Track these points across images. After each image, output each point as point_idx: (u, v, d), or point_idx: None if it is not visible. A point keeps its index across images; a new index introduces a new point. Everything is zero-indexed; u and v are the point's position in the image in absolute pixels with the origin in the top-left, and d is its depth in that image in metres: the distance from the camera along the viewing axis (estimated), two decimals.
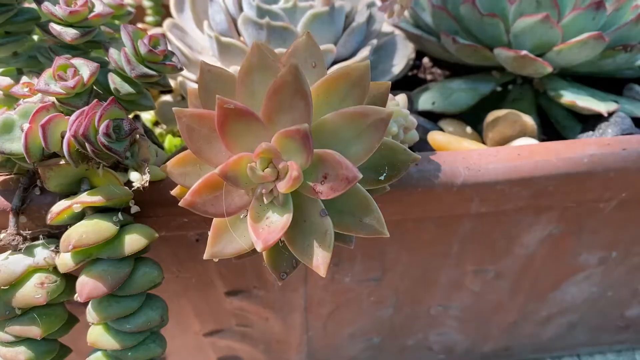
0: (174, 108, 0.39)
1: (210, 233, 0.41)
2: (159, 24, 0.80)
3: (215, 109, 0.37)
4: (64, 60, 0.44)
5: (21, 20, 0.47)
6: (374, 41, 0.63)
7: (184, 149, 0.55)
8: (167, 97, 0.67)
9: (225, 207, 0.38)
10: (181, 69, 0.47)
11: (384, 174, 0.43)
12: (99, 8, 0.46)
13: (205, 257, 0.41)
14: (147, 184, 0.46)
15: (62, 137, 0.42)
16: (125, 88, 0.47)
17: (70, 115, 0.43)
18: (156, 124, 0.69)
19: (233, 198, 0.39)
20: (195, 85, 0.57)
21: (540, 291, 0.70)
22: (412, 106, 0.66)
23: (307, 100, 0.37)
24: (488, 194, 0.53)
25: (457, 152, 0.53)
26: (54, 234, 0.48)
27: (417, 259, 0.62)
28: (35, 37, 0.50)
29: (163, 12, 0.79)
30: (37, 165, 0.44)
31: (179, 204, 0.38)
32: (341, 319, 0.68)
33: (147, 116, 0.68)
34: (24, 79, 0.47)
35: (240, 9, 0.63)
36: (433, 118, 0.67)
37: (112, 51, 0.46)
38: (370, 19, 0.64)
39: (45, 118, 0.41)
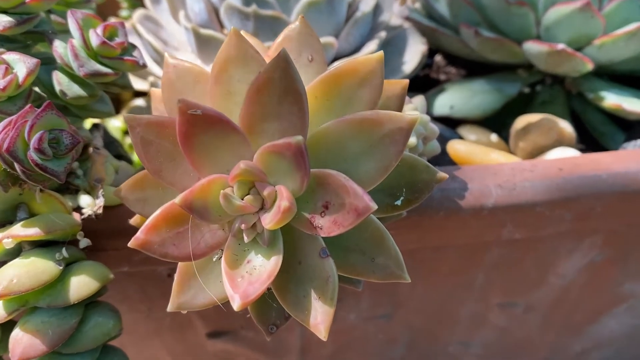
0: (124, 115, 0.30)
1: (175, 279, 0.31)
2: None
3: (177, 115, 0.27)
4: None
5: None
6: (382, 34, 0.53)
7: None
8: (140, 101, 0.57)
9: (192, 247, 0.29)
10: (144, 66, 0.38)
11: (401, 198, 0.34)
12: None
13: (169, 309, 0.32)
14: (100, 210, 0.36)
15: None
16: (74, 90, 0.37)
17: None
18: (127, 133, 0.59)
19: (203, 235, 0.29)
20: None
21: (575, 325, 0.60)
22: (426, 111, 0.57)
23: (301, 104, 0.28)
24: (524, 218, 0.43)
25: (486, 167, 0.44)
26: None
27: (434, 292, 0.52)
28: None
29: (139, 5, 0.70)
30: None
31: (129, 244, 0.28)
32: None
33: (117, 124, 0.59)
34: None
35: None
36: (451, 124, 0.58)
37: (58, 44, 0.37)
38: (377, 9, 0.55)
39: None
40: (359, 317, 0.52)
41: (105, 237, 0.38)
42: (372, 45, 0.51)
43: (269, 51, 0.34)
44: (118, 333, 0.36)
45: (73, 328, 0.35)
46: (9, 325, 0.38)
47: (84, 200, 0.37)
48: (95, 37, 0.36)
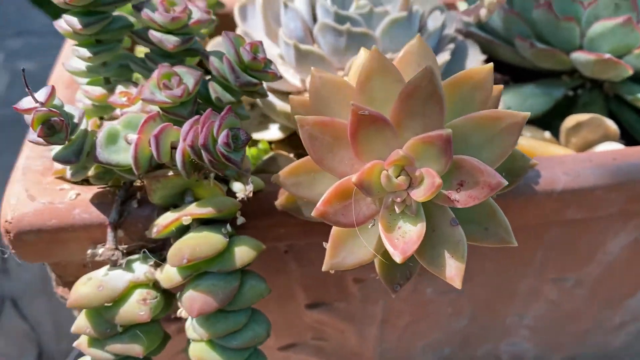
0: (296, 116, 0.38)
1: (329, 244, 0.40)
2: (211, 34, 0.79)
3: (349, 116, 0.36)
4: (168, 69, 0.43)
5: (115, 28, 0.46)
6: (451, 45, 0.62)
7: (270, 158, 0.54)
8: None
9: (354, 216, 0.37)
10: (280, 77, 0.46)
11: None
12: (196, 15, 0.45)
13: (324, 268, 0.40)
14: (251, 195, 0.44)
15: (172, 148, 0.41)
16: (227, 97, 0.45)
17: (173, 124, 0.42)
18: None
19: (361, 207, 0.37)
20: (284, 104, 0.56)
21: (616, 298, 0.68)
22: None
23: (442, 105, 0.36)
24: (585, 200, 0.52)
25: (553, 158, 0.52)
26: (150, 248, 0.46)
27: (499, 269, 0.60)
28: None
29: (217, 21, 0.78)
30: (143, 177, 0.42)
31: (312, 213, 0.36)
32: (416, 331, 0.66)
33: None
34: (120, 88, 0.46)
35: (313, 17, 0.62)
36: None
37: (213, 59, 0.45)
38: (444, 24, 0.63)
39: (157, 128, 0.40)
40: (435, 291, 0.60)
41: (248, 217, 0.47)
42: (445, 55, 0.60)
43: (395, 62, 0.43)
44: (267, 294, 0.45)
45: (236, 289, 0.43)
46: (166, 293, 0.46)
47: (237, 186, 0.45)
48: (246, 54, 0.44)
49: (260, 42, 0.46)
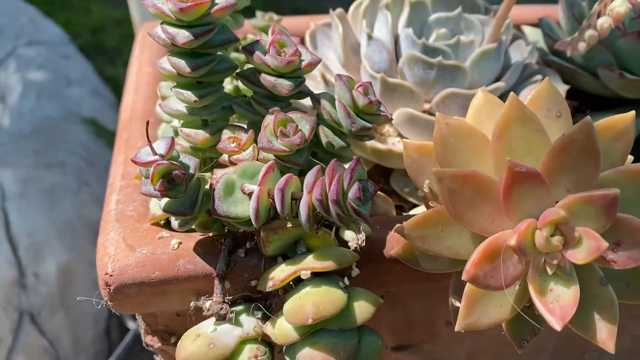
0: (434, 170, 0.36)
1: (462, 303, 0.38)
2: None
3: (504, 172, 0.34)
4: (284, 116, 0.41)
5: (221, 69, 0.43)
6: (538, 77, 0.60)
7: None
8: None
9: (503, 278, 0.35)
10: (391, 119, 0.44)
11: None
12: (307, 57, 0.43)
13: (457, 328, 0.38)
14: (364, 243, 0.42)
15: (293, 199, 0.39)
16: (338, 142, 0.43)
17: (284, 172, 0.40)
18: None
19: (508, 268, 0.35)
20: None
21: None
22: None
23: (598, 161, 0.34)
24: None
25: None
26: (255, 298, 0.44)
27: None
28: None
29: None
30: (261, 228, 0.40)
31: (463, 277, 0.34)
32: None
33: None
34: (227, 133, 0.44)
35: (395, 48, 0.60)
36: None
37: (325, 103, 0.43)
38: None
39: (282, 181, 0.38)
40: None
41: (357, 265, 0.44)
42: (530, 90, 0.58)
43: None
44: (384, 351, 0.43)
45: (355, 346, 0.41)
46: (271, 345, 0.44)
47: (349, 234, 0.43)
48: (362, 98, 0.42)
49: (370, 84, 0.44)
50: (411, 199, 0.58)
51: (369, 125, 0.42)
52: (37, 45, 1.94)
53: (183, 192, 0.37)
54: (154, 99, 0.61)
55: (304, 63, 0.43)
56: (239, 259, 0.43)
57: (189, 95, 0.43)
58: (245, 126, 0.45)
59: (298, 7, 2.51)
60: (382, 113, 0.43)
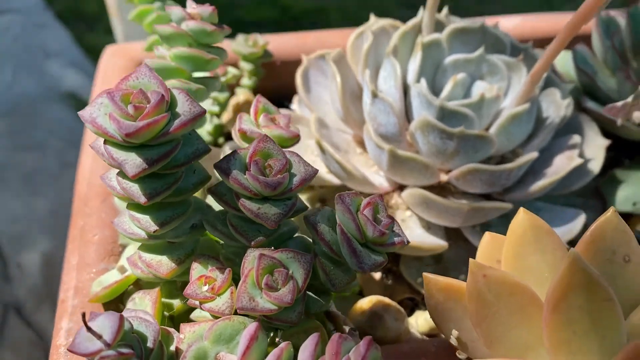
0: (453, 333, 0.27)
1: None
2: (255, 87, 0.66)
3: None
4: (269, 260, 0.31)
5: (188, 187, 0.34)
6: (577, 138, 0.50)
7: (373, 315, 0.43)
8: None
9: None
10: (408, 243, 0.35)
11: None
12: (300, 171, 0.33)
13: None
14: None
15: None
16: (341, 278, 0.34)
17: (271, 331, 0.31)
18: None
19: None
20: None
21: None
22: (605, 206, 0.54)
23: None
24: None
25: None
26: None
27: None
28: None
29: (263, 73, 0.66)
30: None
31: None
32: None
33: None
34: (197, 269, 0.34)
35: (405, 100, 0.50)
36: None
37: (323, 229, 0.33)
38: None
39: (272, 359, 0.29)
40: None
41: None
42: (568, 156, 0.48)
43: (578, 247, 0.31)
44: None
45: None
46: None
47: None
48: (372, 229, 0.32)
49: (381, 198, 0.34)
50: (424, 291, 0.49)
51: (380, 260, 0.33)
52: (11, 13, 1.85)
53: None
54: None
55: (295, 181, 0.33)
56: None
57: (147, 222, 0.33)
58: (220, 257, 0.35)
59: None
60: (397, 241, 0.34)
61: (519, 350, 0.31)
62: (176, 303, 0.38)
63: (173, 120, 0.30)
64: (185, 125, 0.30)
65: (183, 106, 0.31)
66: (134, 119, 0.30)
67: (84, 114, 0.30)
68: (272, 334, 0.35)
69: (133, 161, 0.30)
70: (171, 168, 0.32)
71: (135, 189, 0.31)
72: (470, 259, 0.31)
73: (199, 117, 0.31)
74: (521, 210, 0.34)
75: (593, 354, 0.28)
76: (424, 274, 0.34)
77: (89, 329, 0.27)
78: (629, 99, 0.43)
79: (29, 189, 1.30)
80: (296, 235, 0.36)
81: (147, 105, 0.30)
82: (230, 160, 0.32)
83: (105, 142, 0.30)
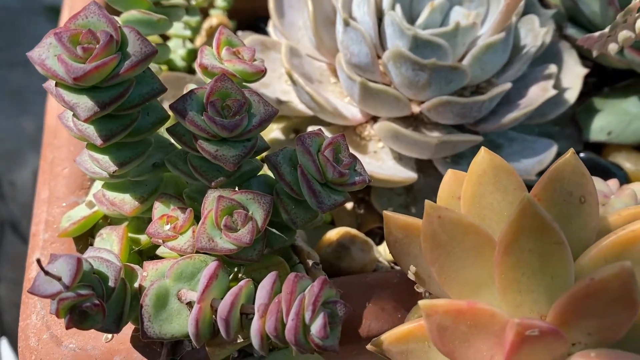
0: (420, 302, 0.28)
1: None
2: (230, 9, 0.64)
3: (509, 333, 0.26)
4: (228, 202, 0.31)
5: (146, 126, 0.33)
6: (553, 67, 0.49)
7: (340, 247, 0.44)
8: (276, 133, 0.53)
9: None
10: (370, 181, 0.35)
11: None
12: (260, 110, 0.33)
13: None
14: None
15: (243, 314, 0.31)
16: (302, 216, 0.34)
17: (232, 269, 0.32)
18: None
19: None
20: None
21: None
22: (580, 135, 0.54)
23: (635, 310, 0.26)
24: None
25: None
26: None
27: None
28: None
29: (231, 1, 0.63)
30: (206, 344, 0.33)
31: None
32: None
33: None
34: (159, 208, 0.34)
35: (379, 34, 0.48)
36: (596, 148, 0.55)
37: (285, 170, 0.33)
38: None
39: (227, 302, 0.30)
40: None
41: None
42: (548, 90, 0.47)
43: (536, 187, 0.32)
44: None
45: None
46: None
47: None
48: (331, 170, 0.32)
49: (343, 137, 0.34)
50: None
51: (340, 200, 0.33)
52: None
53: (100, 321, 0.29)
54: None
55: (254, 122, 0.32)
56: (186, 353, 0.36)
57: (106, 163, 0.33)
58: (183, 195, 0.36)
59: None
60: (357, 180, 0.34)
61: (472, 288, 0.31)
62: (144, 238, 0.38)
63: (124, 61, 0.29)
64: (136, 66, 0.29)
65: (134, 46, 0.30)
66: (83, 60, 0.29)
67: (32, 55, 0.29)
68: (235, 269, 0.36)
69: (85, 104, 0.29)
70: (126, 109, 0.31)
71: (90, 131, 0.31)
72: (426, 201, 0.31)
73: (151, 57, 0.30)
74: (482, 149, 0.33)
75: (540, 294, 0.29)
76: (384, 211, 0.35)
77: (46, 272, 0.28)
78: (606, 30, 0.42)
79: (16, 107, 1.29)
80: (259, 173, 0.36)
81: (96, 46, 0.29)
82: (187, 100, 0.32)
83: (56, 84, 0.30)
